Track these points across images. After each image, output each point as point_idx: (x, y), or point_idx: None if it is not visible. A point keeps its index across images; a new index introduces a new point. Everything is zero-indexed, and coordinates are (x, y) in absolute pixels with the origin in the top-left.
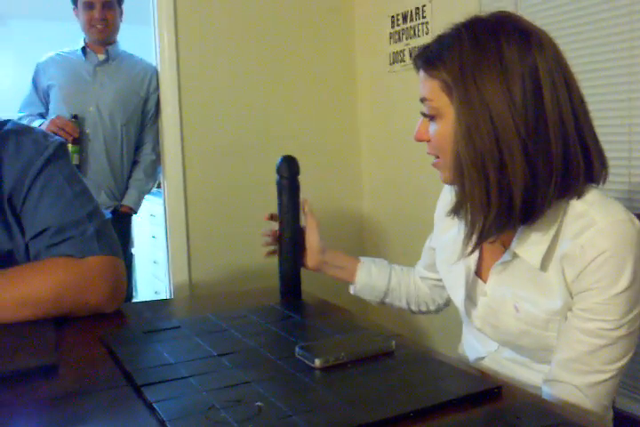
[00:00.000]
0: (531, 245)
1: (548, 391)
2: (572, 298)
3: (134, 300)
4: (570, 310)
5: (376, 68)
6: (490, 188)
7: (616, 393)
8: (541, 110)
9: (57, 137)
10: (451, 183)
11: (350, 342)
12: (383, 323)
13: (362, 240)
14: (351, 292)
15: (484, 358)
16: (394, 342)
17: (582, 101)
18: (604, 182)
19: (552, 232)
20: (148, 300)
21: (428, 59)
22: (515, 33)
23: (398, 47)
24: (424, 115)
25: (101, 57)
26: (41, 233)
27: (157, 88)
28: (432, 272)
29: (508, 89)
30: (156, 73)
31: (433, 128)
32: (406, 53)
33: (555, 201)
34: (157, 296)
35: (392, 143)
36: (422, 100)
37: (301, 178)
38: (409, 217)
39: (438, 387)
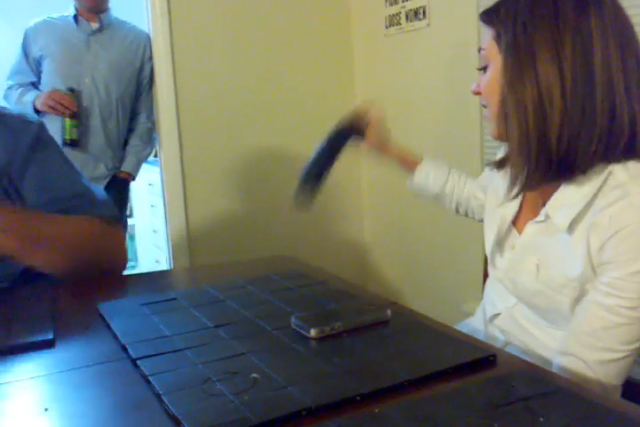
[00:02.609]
0: (564, 208)
1: (558, 363)
2: (595, 270)
3: (135, 269)
4: (591, 281)
5: (372, 31)
6: (529, 136)
7: (627, 375)
8: (589, 69)
9: (36, 118)
10: (497, 137)
11: (346, 312)
12: (379, 291)
13: (361, 200)
14: (408, 185)
15: (499, 314)
16: (389, 311)
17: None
18: None
19: (587, 199)
20: (145, 272)
21: (487, 10)
22: None
23: (394, 10)
24: (478, 69)
25: (95, 26)
26: (50, 201)
27: (151, 56)
28: (481, 192)
29: (558, 42)
30: (149, 41)
31: (483, 79)
32: (402, 16)
33: (597, 162)
34: (158, 265)
35: (388, 106)
36: (479, 50)
37: (300, 143)
38: (407, 175)
39: (434, 356)
